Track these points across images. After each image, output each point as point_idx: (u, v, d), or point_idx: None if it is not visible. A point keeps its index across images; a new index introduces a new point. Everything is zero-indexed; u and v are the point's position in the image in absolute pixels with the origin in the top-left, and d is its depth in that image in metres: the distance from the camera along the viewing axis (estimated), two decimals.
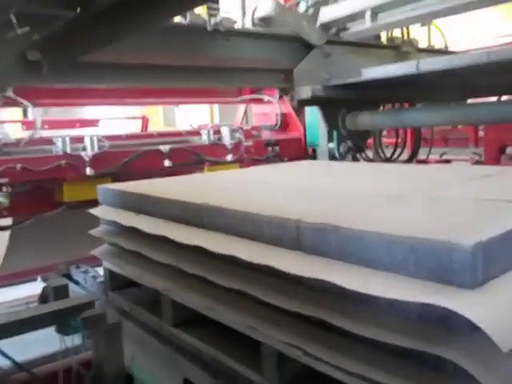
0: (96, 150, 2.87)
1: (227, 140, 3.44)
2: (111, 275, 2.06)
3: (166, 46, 2.83)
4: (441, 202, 1.28)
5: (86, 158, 2.83)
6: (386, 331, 0.95)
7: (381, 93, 3.25)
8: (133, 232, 1.78)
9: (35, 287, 3.55)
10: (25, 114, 6.21)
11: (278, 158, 3.70)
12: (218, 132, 3.48)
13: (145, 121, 6.46)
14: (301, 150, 3.90)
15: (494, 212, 1.13)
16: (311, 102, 3.21)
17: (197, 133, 3.58)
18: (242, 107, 4.53)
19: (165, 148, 3.14)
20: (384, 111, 3.66)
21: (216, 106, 9.48)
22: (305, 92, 3.01)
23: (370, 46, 3.82)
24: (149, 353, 1.78)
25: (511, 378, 0.85)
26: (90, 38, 1.79)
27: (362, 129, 3.38)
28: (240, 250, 1.27)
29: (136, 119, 7.09)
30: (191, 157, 3.27)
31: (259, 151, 3.62)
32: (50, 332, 1.88)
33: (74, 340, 1.98)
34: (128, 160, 2.99)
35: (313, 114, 3.70)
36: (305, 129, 3.91)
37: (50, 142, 2.88)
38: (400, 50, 3.96)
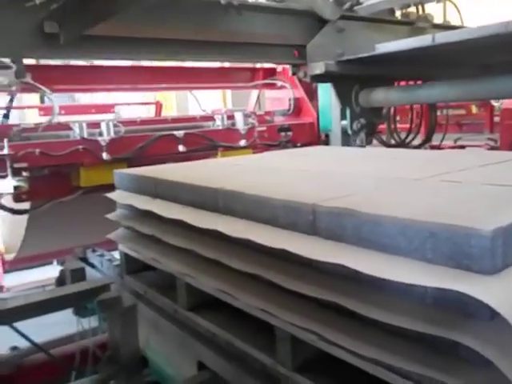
0: (112, 134, 2.90)
1: (240, 125, 3.46)
2: (127, 259, 2.08)
3: (179, 19, 2.79)
4: (458, 187, 1.27)
5: (103, 143, 2.86)
6: (402, 316, 0.94)
7: (395, 69, 3.18)
8: (149, 216, 1.80)
9: (51, 271, 3.62)
10: (42, 100, 6.25)
11: (291, 143, 3.69)
12: (231, 117, 3.49)
13: (158, 106, 6.48)
14: (314, 135, 3.88)
15: None
16: (324, 77, 3.14)
17: (210, 118, 3.59)
18: (255, 92, 4.51)
19: (179, 133, 3.16)
20: (398, 87, 3.59)
21: (228, 92, 9.44)
22: (318, 68, 2.94)
23: (384, 21, 3.70)
24: (163, 336, 1.81)
25: None
26: (105, 5, 1.78)
27: (376, 105, 3.33)
28: (255, 234, 1.27)
29: (150, 105, 7.11)
30: (205, 142, 3.28)
31: (272, 136, 3.62)
32: (67, 314, 1.92)
33: (91, 322, 2.02)
34: (143, 145, 3.01)
35: (326, 98, 3.67)
36: (318, 114, 3.89)
37: (67, 127, 2.91)
38: (415, 25, 3.85)
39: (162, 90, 6.51)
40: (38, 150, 2.63)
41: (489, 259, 0.84)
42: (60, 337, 2.43)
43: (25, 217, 3.06)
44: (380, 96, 3.20)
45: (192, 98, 4.83)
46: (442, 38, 2.33)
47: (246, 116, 3.51)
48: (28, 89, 2.80)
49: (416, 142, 4.27)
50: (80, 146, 2.79)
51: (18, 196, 2.69)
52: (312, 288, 1.14)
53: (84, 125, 2.85)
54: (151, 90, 5.52)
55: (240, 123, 3.47)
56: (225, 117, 3.49)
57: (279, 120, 3.99)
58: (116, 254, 2.33)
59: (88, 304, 1.97)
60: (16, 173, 2.58)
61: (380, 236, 1.01)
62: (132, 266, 2.08)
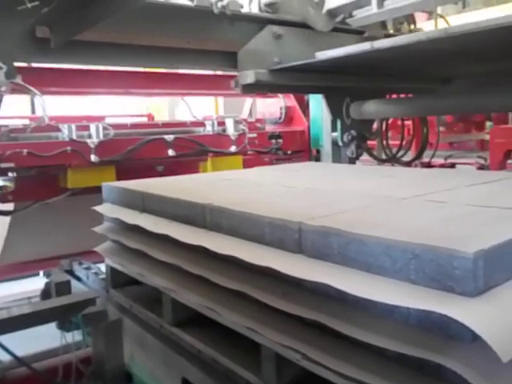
0: (101, 137, 2.88)
1: (231, 131, 3.46)
2: (113, 272, 2.06)
3: (173, 27, 2.77)
4: (443, 207, 1.28)
5: (92, 145, 2.84)
6: (386, 337, 0.94)
7: (333, 79, 2.92)
8: (136, 230, 1.78)
9: (38, 282, 3.57)
10: (33, 110, 6.22)
11: (282, 151, 3.70)
12: (222, 123, 3.50)
13: (150, 118, 6.47)
14: (304, 143, 3.89)
15: (497, 219, 1.12)
16: (257, 87, 2.87)
17: (201, 124, 3.59)
18: (249, 100, 4.53)
19: (169, 137, 3.15)
20: (389, 100, 3.61)
21: (221, 99, 9.44)
22: (249, 77, 2.68)
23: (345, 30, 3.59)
24: (148, 351, 1.78)
25: None
26: (95, 10, 1.78)
27: (367, 118, 3.34)
28: (242, 251, 1.27)
29: (142, 117, 7.10)
30: (195, 147, 3.26)
31: (263, 143, 3.63)
32: (51, 327, 1.90)
33: (75, 336, 1.99)
34: (133, 148, 2.99)
35: (317, 109, 3.69)
36: (309, 124, 3.91)
37: (56, 128, 2.89)
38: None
39: (153, 96, 6.49)
40: (25, 151, 2.62)
41: (471, 281, 0.84)
42: (43, 350, 2.39)
43: (6, 222, 3.02)
44: (371, 108, 3.21)
45: (183, 106, 4.83)
46: (380, 43, 2.12)
47: (237, 122, 3.52)
48: (18, 90, 2.78)
49: (407, 158, 4.30)
50: (68, 148, 2.78)
51: (3, 196, 2.66)
52: (297, 307, 1.13)
53: (73, 126, 2.85)
54: (143, 95, 5.49)
55: (230, 129, 3.48)
56: (215, 122, 3.50)
57: (270, 128, 4.01)
58: (102, 267, 2.31)
59: (73, 318, 1.94)
60: (2, 173, 2.56)
61: (365, 256, 1.01)
62: (118, 280, 2.06)
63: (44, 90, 3.03)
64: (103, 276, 2.28)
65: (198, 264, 1.46)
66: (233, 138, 3.45)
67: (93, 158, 2.83)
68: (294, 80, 2.81)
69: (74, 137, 2.84)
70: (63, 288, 2.07)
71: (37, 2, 1.70)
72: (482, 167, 4.91)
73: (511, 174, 1.97)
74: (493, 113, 5.36)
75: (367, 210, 1.29)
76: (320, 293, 1.10)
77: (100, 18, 1.82)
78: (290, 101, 4.02)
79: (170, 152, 3.12)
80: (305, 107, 3.96)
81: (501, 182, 1.70)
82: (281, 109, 4.04)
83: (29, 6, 1.85)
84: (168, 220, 1.65)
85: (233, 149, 3.43)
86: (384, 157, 4.13)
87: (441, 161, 5.15)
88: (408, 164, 4.20)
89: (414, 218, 1.17)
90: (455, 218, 1.14)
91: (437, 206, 1.30)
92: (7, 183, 2.59)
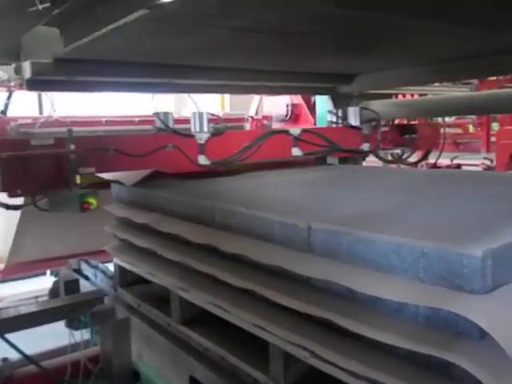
0: (208, 130, 2.17)
1: (356, 122, 2.79)
2: (121, 271, 2.08)
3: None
4: (452, 207, 1.28)
5: (200, 141, 2.16)
6: (394, 334, 0.95)
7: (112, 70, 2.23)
8: (145, 229, 1.80)
9: (45, 281, 3.58)
10: (40, 110, 6.26)
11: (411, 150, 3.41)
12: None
13: None
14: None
15: (506, 219, 1.12)
16: (45, 84, 2.22)
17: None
18: (256, 97, 4.51)
19: (295, 131, 2.45)
20: (394, 100, 3.63)
21: (227, 96, 9.41)
22: (27, 69, 2.01)
23: None
24: (156, 349, 1.80)
25: None
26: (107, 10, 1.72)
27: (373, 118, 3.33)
28: (251, 249, 1.28)
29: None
30: (324, 144, 2.55)
31: (396, 139, 3.13)
32: (59, 326, 1.91)
33: (83, 335, 2.01)
34: (249, 145, 2.24)
35: (323, 108, 3.67)
36: (315, 123, 3.91)
37: (64, 123, 2.91)
38: None
39: (160, 93, 6.43)
40: (111, 148, 1.92)
41: (480, 279, 0.85)
42: (51, 349, 2.41)
43: (14, 221, 3.03)
44: (376, 109, 3.21)
45: (190, 106, 4.81)
46: None
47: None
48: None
49: (412, 159, 4.29)
50: (169, 145, 2.05)
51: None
52: (305, 304, 1.14)
53: (170, 114, 2.20)
54: (148, 92, 5.44)
55: (354, 120, 2.72)
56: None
57: (277, 126, 3.96)
58: (110, 266, 2.32)
59: (81, 316, 1.96)
60: None
61: (374, 255, 1.02)
62: (126, 279, 2.07)
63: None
64: (111, 275, 2.29)
65: (207, 263, 1.47)
66: (366, 132, 2.61)
67: (201, 159, 2.13)
68: (92, 73, 2.15)
69: (171, 127, 2.07)
70: (72, 286, 2.08)
71: (48, 4, 1.70)
72: (488, 168, 4.90)
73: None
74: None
75: (377, 210, 1.30)
76: (328, 291, 1.10)
77: (113, 20, 1.76)
78: (297, 98, 4.00)
79: (295, 151, 2.37)
80: (311, 106, 3.94)
81: (509, 182, 1.71)
82: (287, 106, 3.99)
83: (39, 7, 1.85)
84: (177, 219, 1.67)
85: (366, 147, 2.62)
86: (390, 158, 4.12)
87: (447, 162, 5.14)
88: (414, 165, 4.19)
89: (423, 218, 1.17)
90: (464, 218, 1.15)
91: (446, 205, 1.30)
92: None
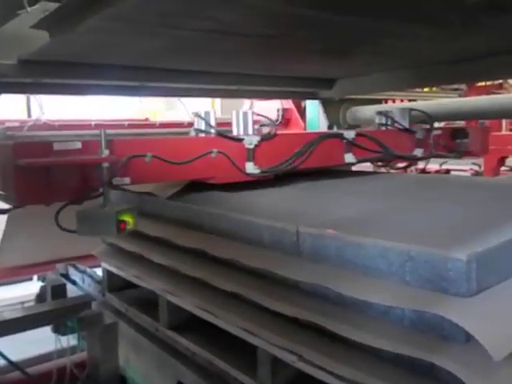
0: (254, 134, 1.93)
1: (404, 123, 2.50)
2: (109, 276, 2.06)
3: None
4: (438, 211, 1.29)
5: (249, 146, 1.86)
6: (381, 338, 0.95)
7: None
8: (132, 233, 1.78)
9: (31, 287, 3.53)
10: (29, 114, 6.23)
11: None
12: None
13: None
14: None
15: (490, 223, 1.13)
16: (4, 84, 2.11)
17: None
18: (247, 102, 4.51)
19: (349, 134, 2.14)
20: (385, 106, 3.65)
21: (218, 100, 9.38)
22: None
23: None
24: (143, 354, 1.78)
25: None
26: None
27: (364, 123, 3.37)
28: (240, 253, 1.27)
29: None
30: (378, 149, 2.29)
31: (448, 144, 2.91)
32: (45, 332, 1.89)
33: (70, 340, 1.98)
34: (300, 151, 1.97)
35: (314, 113, 3.69)
36: (305, 127, 3.91)
37: (53, 127, 2.88)
38: None
39: (150, 96, 6.42)
40: (149, 156, 1.59)
41: (465, 282, 0.85)
42: (37, 355, 2.38)
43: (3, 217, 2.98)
44: (367, 114, 3.24)
45: (180, 110, 4.78)
46: None
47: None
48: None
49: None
50: (214, 150, 1.73)
51: None
52: (293, 309, 1.14)
53: (211, 112, 1.86)
54: (137, 95, 5.43)
55: (403, 121, 2.38)
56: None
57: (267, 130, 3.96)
58: (98, 271, 2.30)
59: (68, 322, 1.93)
60: None
61: (361, 258, 1.02)
62: (114, 284, 2.06)
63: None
64: (99, 279, 2.27)
65: (195, 267, 1.47)
66: (419, 136, 2.30)
67: (250, 167, 1.81)
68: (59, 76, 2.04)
69: (214, 130, 1.77)
70: (59, 291, 2.06)
71: (37, 6, 1.69)
72: (476, 174, 4.94)
73: (505, 179, 1.99)
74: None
75: (364, 215, 1.31)
76: (316, 295, 1.10)
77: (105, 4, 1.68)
78: (288, 103, 4.00)
79: (348, 158, 2.09)
80: (302, 111, 3.94)
81: (495, 187, 1.72)
82: (278, 110, 3.99)
83: (28, 10, 1.83)
84: (166, 223, 1.66)
85: (418, 152, 2.31)
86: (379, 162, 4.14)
87: (436, 167, 5.17)
88: (403, 170, 4.21)
89: (409, 222, 1.18)
90: (450, 222, 1.16)
91: (432, 209, 1.31)
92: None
